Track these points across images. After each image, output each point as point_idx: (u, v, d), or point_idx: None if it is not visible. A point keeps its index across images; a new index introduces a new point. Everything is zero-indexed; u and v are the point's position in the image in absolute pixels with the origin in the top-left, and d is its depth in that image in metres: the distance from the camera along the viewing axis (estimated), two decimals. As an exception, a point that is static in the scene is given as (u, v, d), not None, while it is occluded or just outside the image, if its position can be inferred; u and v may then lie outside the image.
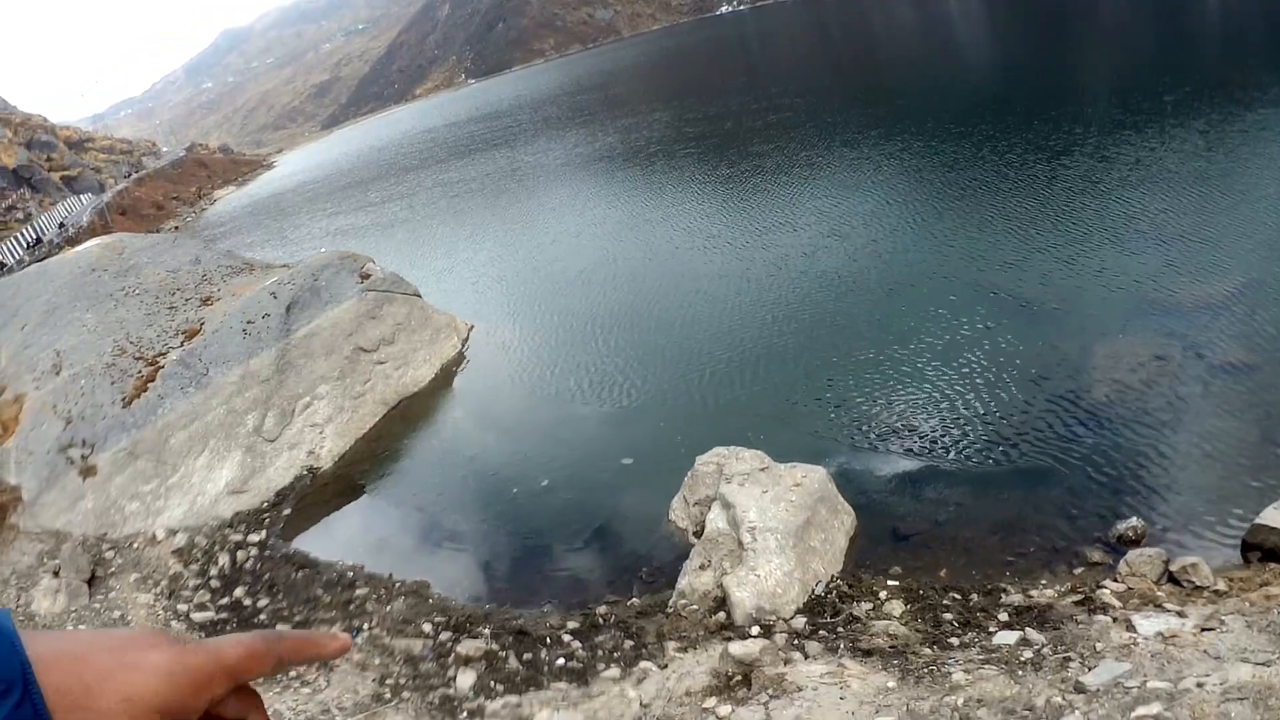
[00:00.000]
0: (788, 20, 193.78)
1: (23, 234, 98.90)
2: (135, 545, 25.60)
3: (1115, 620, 13.28)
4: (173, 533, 25.65)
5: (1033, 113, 45.21)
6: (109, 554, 25.44)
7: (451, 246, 53.13)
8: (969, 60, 78.00)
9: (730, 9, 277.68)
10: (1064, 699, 11.11)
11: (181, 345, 31.94)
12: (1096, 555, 15.65)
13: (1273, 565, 14.30)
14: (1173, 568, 14.44)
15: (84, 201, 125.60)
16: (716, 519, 17.97)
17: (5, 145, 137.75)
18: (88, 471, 28.12)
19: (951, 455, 19.70)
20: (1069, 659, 12.45)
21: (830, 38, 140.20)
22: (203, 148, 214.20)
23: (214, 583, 22.56)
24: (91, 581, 24.19)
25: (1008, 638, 13.56)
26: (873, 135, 49.85)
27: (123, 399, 30.23)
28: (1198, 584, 13.98)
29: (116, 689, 1.15)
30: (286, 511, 25.89)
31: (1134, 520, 15.88)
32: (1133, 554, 14.99)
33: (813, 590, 16.43)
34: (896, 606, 15.41)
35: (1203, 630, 12.27)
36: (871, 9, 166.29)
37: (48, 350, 34.11)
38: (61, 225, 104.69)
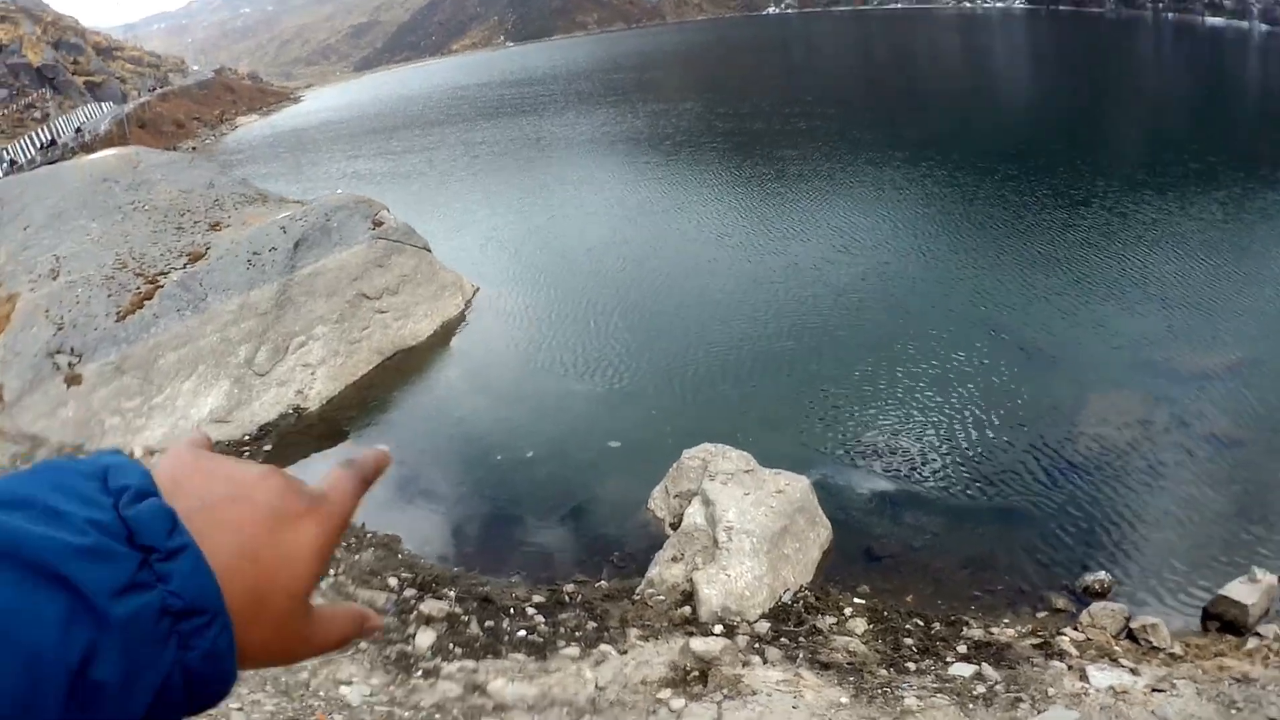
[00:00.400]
0: (833, 29, 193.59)
1: (38, 134, 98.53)
2: (111, 460, 25.74)
3: (1070, 668, 13.54)
4: (150, 452, 25.74)
5: (1058, 158, 45.44)
6: (-13, 486, 25.61)
7: (466, 207, 53.22)
8: (1003, 96, 78.43)
9: (777, 10, 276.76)
10: (1011, 737, 11.35)
11: (184, 267, 31.97)
12: (1061, 602, 15.96)
13: (1230, 637, 14.57)
14: (1133, 625, 14.71)
15: (104, 110, 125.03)
16: (695, 514, 18.19)
17: (33, 42, 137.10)
18: (72, 380, 28.18)
19: (933, 484, 20.01)
20: (1020, 699, 12.68)
21: (872, 52, 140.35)
22: (231, 72, 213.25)
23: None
24: (62, 490, 24.27)
25: (964, 670, 13.80)
26: (898, 157, 50.00)
27: (117, 312, 30.26)
28: (1155, 644, 14.25)
29: (283, 588, 1.14)
30: (267, 447, 26.07)
31: (1102, 574, 16.21)
32: (1096, 606, 15.30)
33: (780, 597, 16.69)
34: (859, 624, 15.67)
35: (1154, 690, 12.51)
36: (916, 30, 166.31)
37: (48, 254, 34.15)
38: (78, 130, 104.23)
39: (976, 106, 71.01)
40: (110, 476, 1.03)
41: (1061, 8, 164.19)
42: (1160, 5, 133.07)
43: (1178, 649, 14.29)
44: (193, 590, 0.99)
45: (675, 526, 18.76)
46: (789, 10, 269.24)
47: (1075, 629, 15.03)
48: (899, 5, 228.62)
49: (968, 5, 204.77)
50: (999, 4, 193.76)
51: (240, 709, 13.47)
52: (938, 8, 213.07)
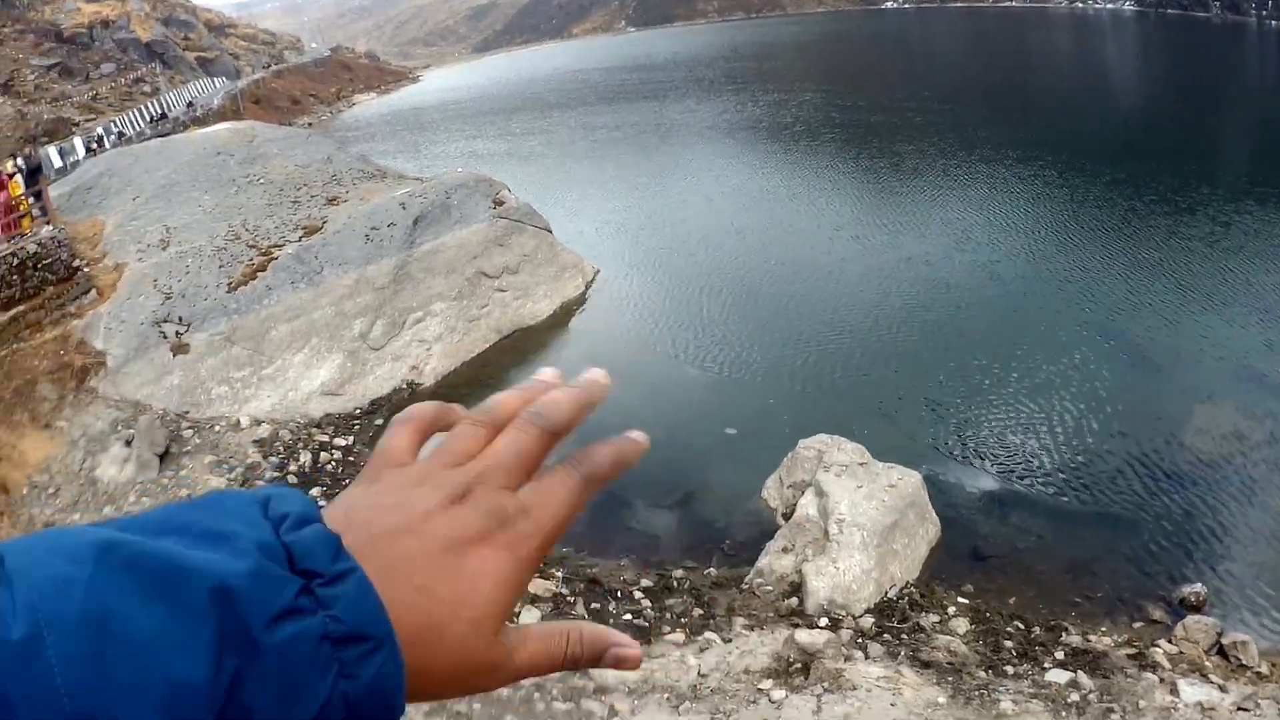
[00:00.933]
0: (949, 25, 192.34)
1: (148, 107, 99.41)
2: (217, 428, 26.38)
3: (1162, 681, 13.76)
4: (257, 422, 26.43)
5: (1166, 164, 45.32)
6: (187, 432, 26.18)
7: (586, 189, 53.91)
8: (1112, 99, 77.65)
9: (895, 4, 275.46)
10: (1100, 749, 11.56)
11: (299, 240, 32.78)
12: (1158, 613, 16.18)
13: (1317, 660, 14.67)
14: (1224, 640, 14.91)
15: (217, 85, 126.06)
16: (808, 505, 18.52)
17: (141, 18, 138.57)
18: (179, 349, 28.94)
19: (1040, 485, 20.23)
20: (1111, 710, 12.94)
21: (986, 50, 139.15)
22: (349, 51, 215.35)
23: (291, 479, 23.16)
24: (164, 457, 24.95)
25: (1060, 677, 14.06)
26: (1010, 156, 49.99)
27: (228, 283, 31.07)
28: (1244, 662, 14.45)
29: (465, 617, 1.06)
30: (379, 421, 26.65)
31: (1198, 586, 16.40)
32: (1190, 619, 15.52)
33: (886, 593, 17.02)
34: (962, 624, 15.93)
35: (1239, 709, 12.69)
36: (1029, 28, 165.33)
37: (158, 225, 35.05)
38: (190, 104, 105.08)
39: (1086, 108, 70.35)
40: (271, 505, 1.02)
41: (1169, 11, 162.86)
42: (1265, 12, 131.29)
43: (1265, 668, 14.43)
44: (357, 616, 0.96)
45: (787, 517, 19.06)
46: (906, 6, 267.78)
47: (1169, 641, 15.21)
48: (1013, 3, 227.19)
49: (1079, 5, 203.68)
50: (1109, 6, 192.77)
51: None
52: (1051, 7, 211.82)
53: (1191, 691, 13.26)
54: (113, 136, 78.76)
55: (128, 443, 25.15)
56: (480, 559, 1.09)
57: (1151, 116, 67.36)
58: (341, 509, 1.12)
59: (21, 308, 30.52)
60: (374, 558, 1.02)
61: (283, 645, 0.89)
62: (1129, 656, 14.65)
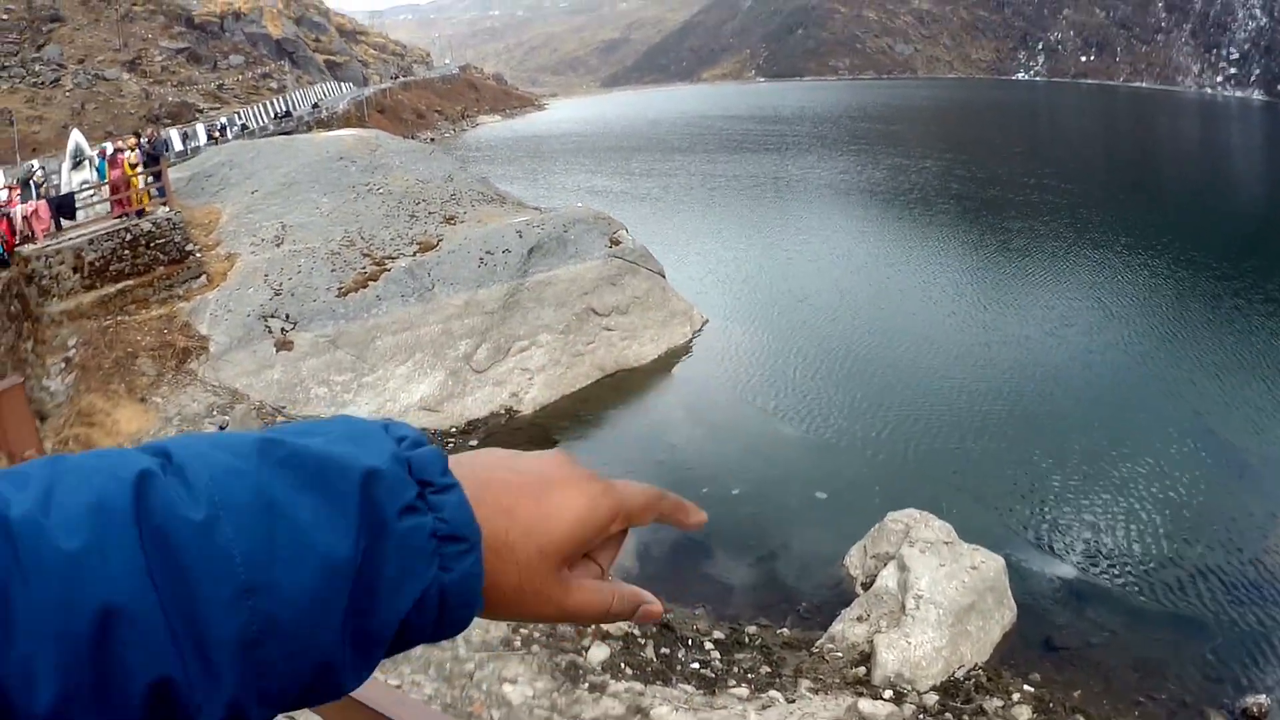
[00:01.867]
0: (1077, 102, 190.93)
1: (274, 103, 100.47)
2: (312, 427, 26.74)
3: (1214, 792, 13.83)
4: (355, 425, 26.79)
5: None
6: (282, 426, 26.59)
7: (699, 237, 54.45)
8: (1234, 191, 77.28)
9: (1026, 76, 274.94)
10: None
11: (414, 255, 33.35)
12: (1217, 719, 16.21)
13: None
14: (1282, 754, 14.96)
15: (344, 89, 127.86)
16: (889, 577, 18.73)
17: (274, 15, 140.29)
18: (284, 345, 29.58)
19: (1121, 580, 20.31)
20: (1162, 816, 13.06)
21: (1112, 129, 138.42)
22: (477, 71, 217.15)
23: (377, 488, 23.48)
24: (255, 447, 25.26)
25: (1113, 778, 14.17)
26: (1122, 242, 49.98)
27: (339, 288, 31.66)
28: (1297, 779, 14.51)
29: (535, 542, 1.26)
30: (473, 442, 26.95)
31: (1262, 697, 16.40)
32: (1249, 730, 15.55)
33: (954, 672, 17.15)
34: (1024, 712, 16.04)
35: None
36: (1157, 111, 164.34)
37: (274, 221, 35.84)
38: (315, 106, 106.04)
39: (1205, 198, 70.09)
40: (391, 428, 1.23)
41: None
42: None
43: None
44: (457, 521, 1.16)
45: (866, 587, 19.23)
46: (1037, 78, 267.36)
47: (1226, 750, 15.32)
48: (1143, 84, 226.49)
49: (1208, 91, 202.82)
50: (1238, 93, 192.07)
51: (399, 686, 13.96)
52: (1179, 90, 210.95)
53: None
54: (235, 128, 79.80)
55: (221, 428, 25.45)
56: (564, 495, 1.30)
57: (1271, 211, 66.90)
58: (456, 457, 1.31)
59: (130, 282, 31.24)
60: (473, 479, 1.24)
61: (405, 533, 1.12)
62: (1185, 761, 14.78)
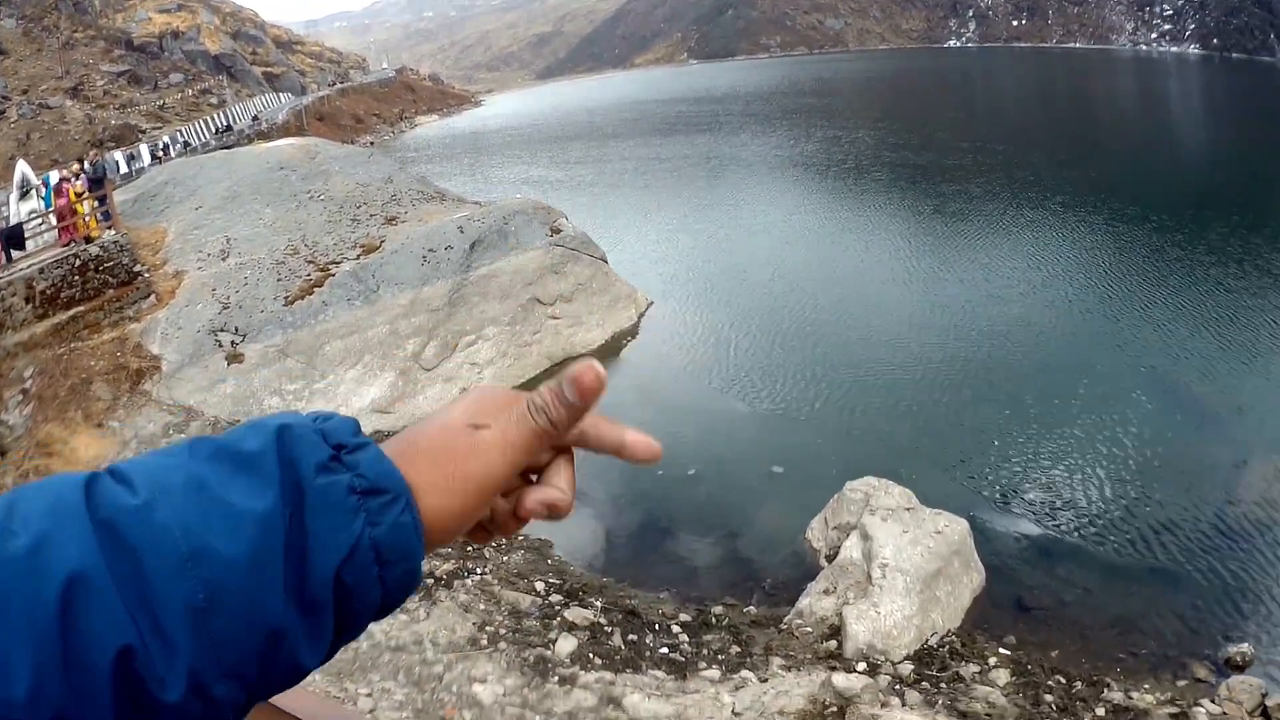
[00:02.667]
0: (1012, 65, 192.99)
1: (214, 119, 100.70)
2: (266, 438, 26.34)
3: (1203, 743, 13.48)
4: (307, 434, 26.40)
5: (1225, 212, 44.69)
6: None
7: (638, 220, 54.40)
8: (1173, 144, 77.93)
9: (958, 43, 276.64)
10: (1139, 809, 11.38)
11: (357, 258, 32.94)
12: (1201, 672, 15.87)
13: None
14: (1269, 702, 14.62)
15: (282, 100, 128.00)
16: (852, 548, 18.35)
17: (211, 31, 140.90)
18: (234, 358, 29.16)
19: (1089, 537, 19.94)
20: (1151, 770, 12.70)
21: (1047, 91, 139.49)
22: (412, 72, 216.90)
23: (338, 492, 23.16)
24: (214, 464, 24.95)
25: (1099, 734, 13.80)
26: (1060, 201, 50.19)
27: (286, 297, 31.27)
28: (1287, 725, 14.17)
29: (465, 477, 1.32)
30: (426, 441, 26.31)
31: (1245, 646, 16.09)
32: (1235, 679, 15.21)
33: (926, 640, 16.77)
34: (1002, 676, 15.67)
35: (1282, 772, 12.48)
36: (1092, 70, 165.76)
37: (218, 235, 35.39)
38: (255, 118, 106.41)
39: (1143, 153, 70.53)
40: (308, 412, 1.32)
41: (1234, 55, 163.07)
42: None
43: (1308, 732, 14.21)
44: (374, 474, 1.23)
45: (830, 559, 18.85)
46: (969, 45, 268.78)
47: (1213, 701, 14.83)
48: (1077, 45, 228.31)
49: (1143, 48, 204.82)
50: (1173, 48, 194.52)
51: (369, 695, 13.77)
52: (1115, 49, 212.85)
53: (1233, 755, 13.08)
54: (178, 145, 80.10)
55: (179, 448, 25.14)
56: (480, 435, 1.37)
57: (1210, 163, 67.06)
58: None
59: (81, 308, 30.92)
60: (397, 443, 1.35)
61: (322, 490, 1.18)
62: (1171, 715, 14.36)
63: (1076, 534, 20.12)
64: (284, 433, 1.22)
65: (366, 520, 1.20)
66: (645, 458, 1.57)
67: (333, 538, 1.17)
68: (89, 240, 32.72)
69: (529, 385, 23.57)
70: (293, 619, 1.14)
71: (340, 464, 1.22)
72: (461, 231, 33.81)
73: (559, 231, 35.26)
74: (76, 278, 31.28)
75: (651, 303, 36.52)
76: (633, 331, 34.25)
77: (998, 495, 21.72)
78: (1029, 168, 62.80)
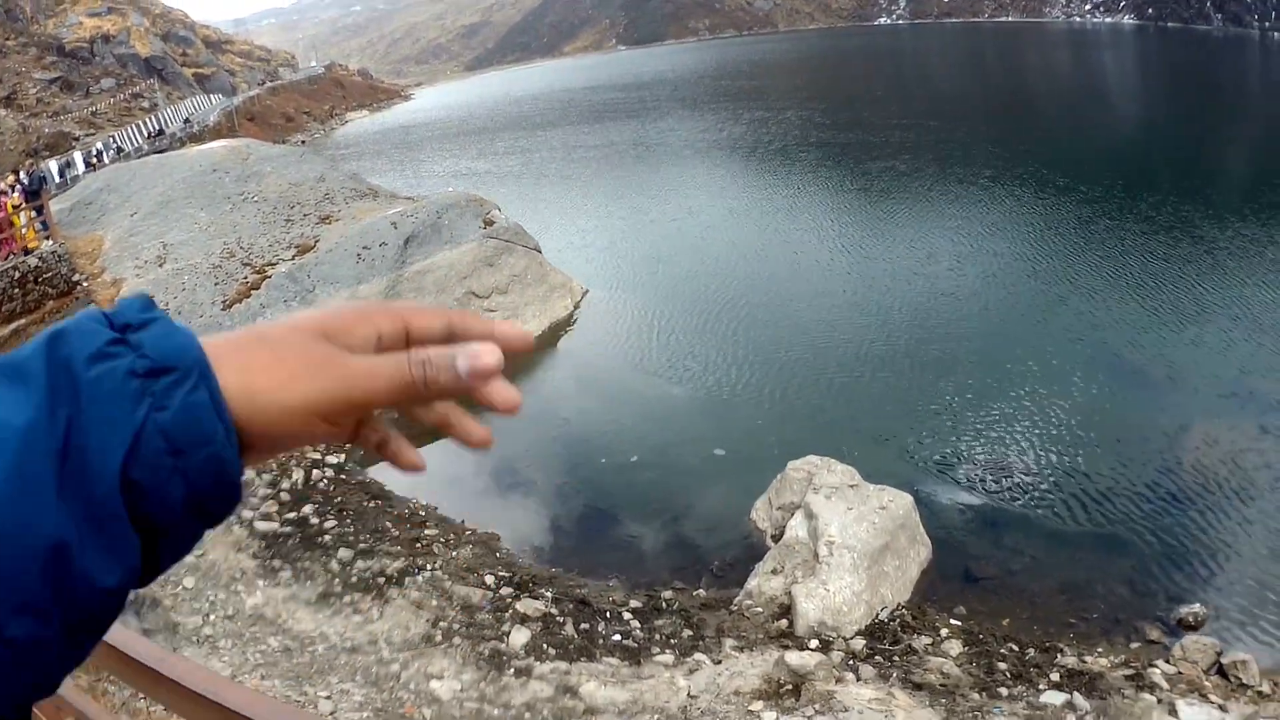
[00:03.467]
0: (942, 42, 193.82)
1: (146, 123, 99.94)
2: (211, 446, 26.11)
3: (1160, 702, 13.53)
4: (256, 432, 26.18)
5: (1161, 179, 45.40)
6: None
7: (569, 208, 54.34)
8: (1108, 114, 77.96)
9: (889, 21, 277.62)
10: (1097, 771, 11.39)
11: (293, 259, 32.72)
12: (1155, 633, 15.91)
13: (1320, 677, 14.52)
14: (1224, 660, 14.68)
15: (213, 101, 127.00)
16: (797, 527, 18.29)
17: (141, 33, 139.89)
18: (177, 366, 28.85)
19: (1034, 505, 19.99)
20: (1109, 731, 12.71)
21: (979, 66, 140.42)
22: (342, 68, 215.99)
23: (284, 495, 22.95)
24: (160, 477, 24.70)
25: (1055, 698, 13.84)
26: (988, 173, 50.45)
27: (224, 301, 31.05)
28: (1244, 681, 14.24)
29: (294, 377, 1.17)
30: (370, 439, 26.17)
31: (1196, 606, 16.14)
32: (1188, 639, 15.27)
33: (877, 615, 16.77)
34: (954, 646, 15.69)
35: (1240, 728, 12.52)
36: (1025, 43, 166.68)
37: (155, 241, 35.13)
38: (187, 121, 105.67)
39: (1077, 123, 70.71)
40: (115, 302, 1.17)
41: (1169, 25, 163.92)
42: (1267, 25, 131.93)
43: (1266, 687, 14.20)
44: (160, 351, 1.07)
45: (777, 539, 18.83)
46: (900, 22, 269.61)
47: (1167, 662, 14.94)
48: (1010, 19, 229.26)
49: (1077, 20, 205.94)
50: (1108, 19, 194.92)
51: (329, 698, 13.69)
52: (1048, 21, 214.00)
53: (1191, 712, 13.09)
54: (111, 152, 79.45)
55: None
56: (292, 355, 1.19)
57: (1142, 133, 67.55)
58: None
59: (23, 320, 30.75)
60: (217, 338, 1.17)
61: (95, 380, 1.03)
62: (1126, 678, 14.42)
63: (1021, 503, 20.17)
64: (57, 335, 1.07)
65: (151, 405, 1.05)
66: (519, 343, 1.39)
67: (111, 431, 1.02)
68: (27, 252, 32.50)
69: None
70: (76, 530, 0.99)
71: (124, 345, 1.07)
72: (395, 228, 33.62)
73: (492, 224, 35.03)
74: (17, 290, 31.09)
75: (587, 291, 36.39)
76: (569, 321, 34.13)
77: (940, 468, 21.74)
78: (957, 143, 63.07)
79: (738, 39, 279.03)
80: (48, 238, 34.44)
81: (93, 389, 1.02)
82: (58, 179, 62.08)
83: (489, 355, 1.26)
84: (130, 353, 1.06)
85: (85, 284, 32.88)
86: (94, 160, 71.93)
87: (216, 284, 31.97)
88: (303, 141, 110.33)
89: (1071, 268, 33.69)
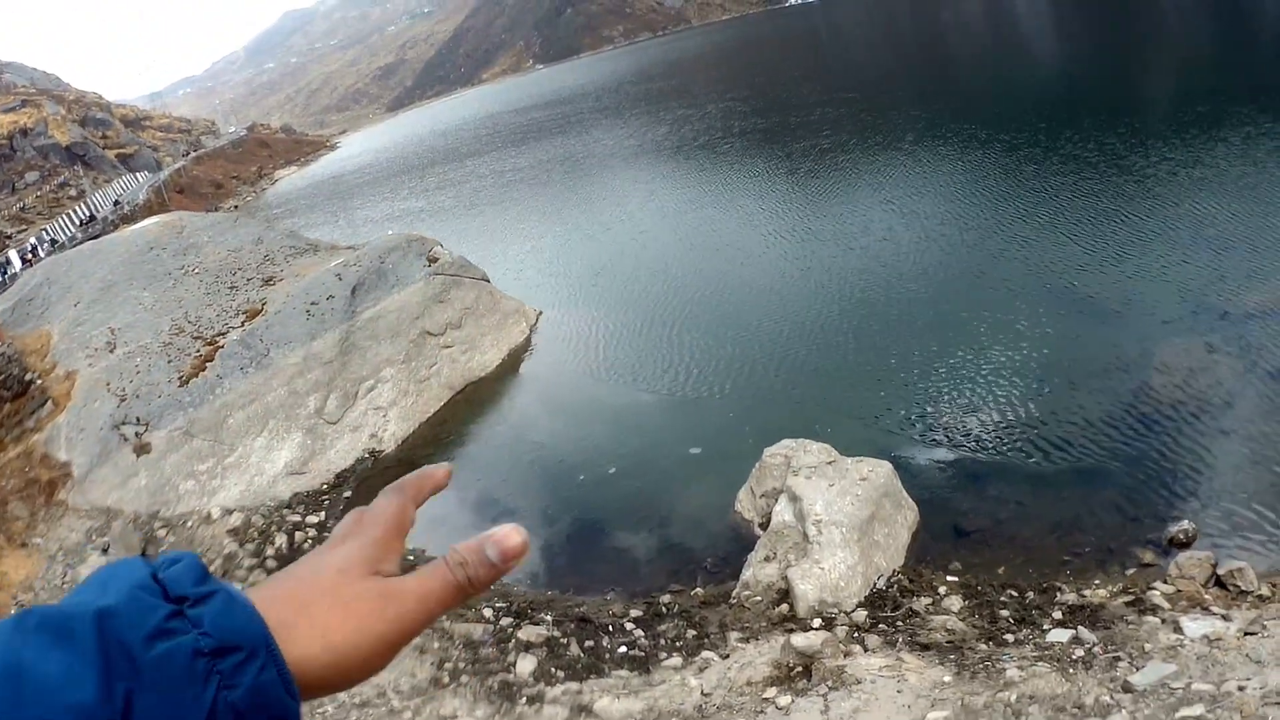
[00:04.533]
0: (855, 13, 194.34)
1: (76, 211, 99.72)
2: (189, 524, 26.09)
3: (1164, 622, 13.64)
4: (228, 512, 26.20)
5: (1092, 116, 45.20)
6: (161, 532, 25.97)
7: (508, 234, 54.40)
8: (1030, 58, 78.72)
9: (799, 1, 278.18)
10: (1112, 698, 11.50)
11: (242, 325, 32.62)
12: (1148, 556, 16.03)
13: (1319, 571, 14.66)
14: (1220, 571, 14.81)
15: (140, 179, 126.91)
16: (783, 511, 18.39)
17: (58, 122, 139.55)
18: (141, 449, 28.70)
19: (1012, 452, 20.13)
20: (1118, 659, 12.83)
21: (894, 30, 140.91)
22: (264, 127, 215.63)
23: (270, 563, 23.06)
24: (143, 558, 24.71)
25: (1061, 636, 13.95)
26: (910, 137, 51.02)
27: (179, 378, 30.89)
28: (1243, 588, 14.36)
29: (368, 631, 1.23)
30: (347, 494, 26.38)
31: (1185, 523, 16.27)
32: (1182, 556, 15.39)
33: (874, 584, 16.87)
34: (955, 602, 15.81)
35: (1245, 634, 12.65)
36: (941, 5, 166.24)
37: (102, 328, 34.93)
38: (117, 203, 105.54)
39: (993, 76, 71.58)
40: (158, 562, 1.16)
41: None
42: None
43: (1265, 590, 14.31)
44: (223, 629, 1.08)
45: (764, 526, 18.91)
46: (812, 0, 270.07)
47: (1165, 582, 15.04)
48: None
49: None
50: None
51: None
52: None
53: (1195, 626, 13.18)
54: (46, 245, 79.46)
55: (104, 550, 25.10)
56: (339, 549, 1.34)
57: (1058, 73, 67.73)
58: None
59: (-20, 427, 30.52)
60: (265, 588, 1.23)
61: (159, 661, 1.02)
62: (1127, 604, 14.52)
63: (997, 451, 20.30)
64: (106, 613, 1.04)
65: (219, 684, 1.05)
66: (444, 478, 1.55)
67: (180, 713, 1.02)
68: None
69: (437, 418, 23.75)
70: None
71: (183, 620, 1.07)
72: (340, 279, 33.54)
73: (436, 260, 35.00)
74: (-30, 398, 30.97)
75: (540, 313, 36.49)
76: (528, 345, 34.18)
77: (914, 431, 21.86)
78: (876, 111, 63.54)
79: (653, 41, 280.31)
80: (-7, 340, 34.39)
81: (157, 671, 1.02)
82: (-4, 280, 62.03)
83: (514, 536, 1.35)
84: (191, 629, 1.07)
85: (39, 381, 32.75)
86: (29, 256, 71.99)
87: (169, 361, 31.80)
88: (235, 206, 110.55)
89: (1005, 217, 33.89)
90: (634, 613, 17.83)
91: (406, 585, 1.30)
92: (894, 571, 17.28)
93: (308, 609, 1.21)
